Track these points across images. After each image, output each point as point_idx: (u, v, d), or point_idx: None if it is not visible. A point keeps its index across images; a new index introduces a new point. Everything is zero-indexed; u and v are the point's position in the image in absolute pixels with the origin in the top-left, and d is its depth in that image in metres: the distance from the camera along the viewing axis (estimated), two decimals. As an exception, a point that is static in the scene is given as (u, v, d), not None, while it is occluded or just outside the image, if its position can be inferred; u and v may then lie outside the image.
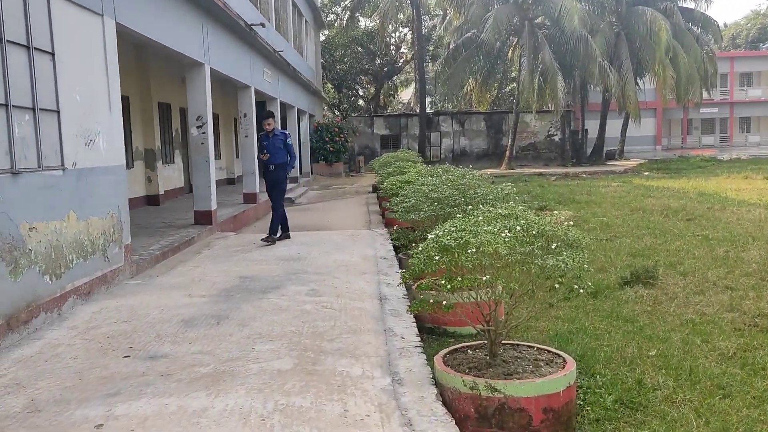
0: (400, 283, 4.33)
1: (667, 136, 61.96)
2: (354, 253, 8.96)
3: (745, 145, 60.15)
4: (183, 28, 9.58)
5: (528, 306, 4.00)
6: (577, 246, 4.09)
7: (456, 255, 3.83)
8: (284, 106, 21.16)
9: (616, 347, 5.63)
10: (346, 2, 42.13)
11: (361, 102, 45.84)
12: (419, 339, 5.13)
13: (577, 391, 4.47)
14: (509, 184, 20.13)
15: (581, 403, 4.45)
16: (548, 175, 28.71)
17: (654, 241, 11.23)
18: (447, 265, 3.89)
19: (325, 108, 37.64)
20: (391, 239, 9.69)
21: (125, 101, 13.56)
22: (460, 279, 3.81)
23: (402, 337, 5.13)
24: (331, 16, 43.16)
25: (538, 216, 4.37)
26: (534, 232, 3.99)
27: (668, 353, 5.47)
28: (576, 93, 36.61)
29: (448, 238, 3.94)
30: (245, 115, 14.32)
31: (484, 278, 3.76)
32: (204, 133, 10.52)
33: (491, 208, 4.44)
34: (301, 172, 25.19)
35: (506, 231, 3.93)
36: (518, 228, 4.00)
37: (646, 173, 29.90)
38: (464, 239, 3.87)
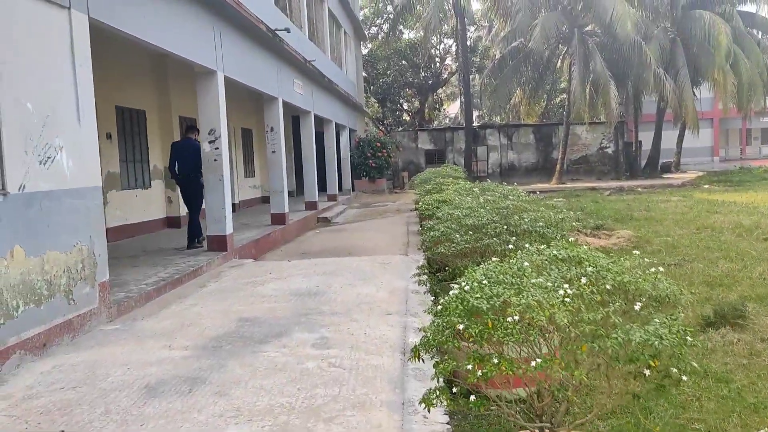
0: (410, 357, 3.04)
1: (725, 147, 59.09)
2: (381, 286, 7.71)
3: (806, 156, 56.72)
4: (188, 29, 8.54)
5: (600, 399, 2.68)
6: (674, 304, 2.76)
7: (490, 324, 2.55)
8: (320, 120, 20.16)
9: (713, 424, 4.24)
10: (388, 13, 41.15)
11: (405, 116, 44.67)
12: (448, 420, 3.84)
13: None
14: (561, 199, 18.63)
15: None
16: (602, 190, 27.00)
17: (732, 267, 9.72)
18: (476, 339, 2.61)
19: (368, 122, 36.64)
20: (426, 268, 8.44)
21: (141, 115, 12.70)
22: (496, 362, 2.52)
23: (424, 417, 3.84)
24: (373, 29, 42.21)
25: (611, 257, 3.06)
26: (608, 287, 2.67)
27: (786, 436, 4.06)
28: (629, 103, 34.65)
29: (479, 296, 2.67)
30: (272, 129, 13.28)
31: (533, 364, 2.47)
32: (217, 148, 9.47)
33: (542, 247, 3.14)
34: (341, 189, 24.14)
35: (566, 286, 2.63)
36: (583, 280, 2.69)
37: (706, 186, 27.98)
38: (502, 298, 2.59)
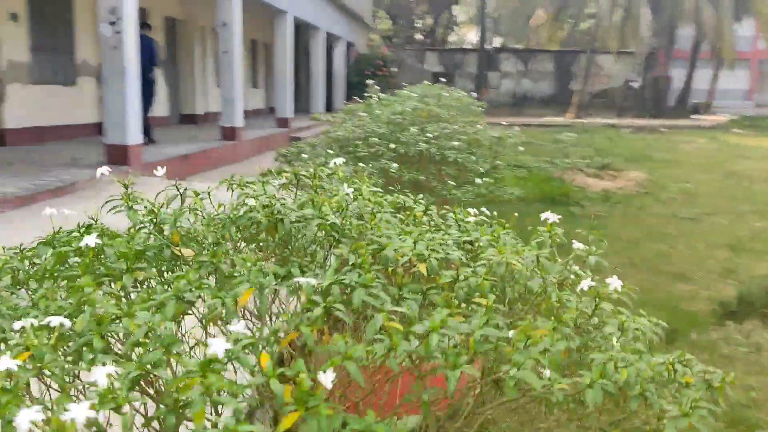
0: None
1: (761, 91, 55.48)
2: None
3: None
4: None
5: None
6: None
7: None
8: (302, 26, 17.78)
9: None
10: None
11: (418, 35, 41.56)
12: None
13: None
14: (571, 134, 16.31)
15: None
16: (621, 127, 24.57)
17: (764, 226, 7.76)
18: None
19: (375, 40, 33.79)
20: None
21: (61, -3, 10.53)
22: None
23: None
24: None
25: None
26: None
27: None
28: (662, 34, 31.51)
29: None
30: (224, 24, 11.09)
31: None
32: (119, 32, 7.39)
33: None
34: (331, 110, 21.86)
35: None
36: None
37: (738, 130, 25.43)
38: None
